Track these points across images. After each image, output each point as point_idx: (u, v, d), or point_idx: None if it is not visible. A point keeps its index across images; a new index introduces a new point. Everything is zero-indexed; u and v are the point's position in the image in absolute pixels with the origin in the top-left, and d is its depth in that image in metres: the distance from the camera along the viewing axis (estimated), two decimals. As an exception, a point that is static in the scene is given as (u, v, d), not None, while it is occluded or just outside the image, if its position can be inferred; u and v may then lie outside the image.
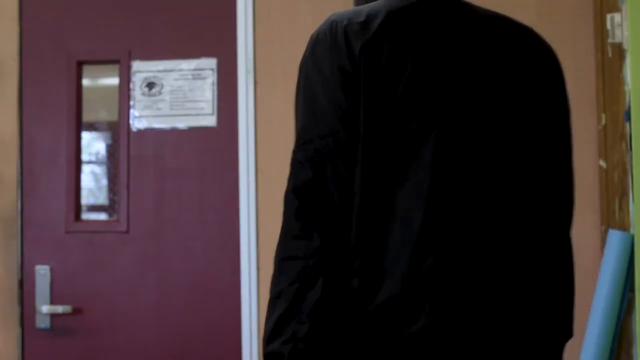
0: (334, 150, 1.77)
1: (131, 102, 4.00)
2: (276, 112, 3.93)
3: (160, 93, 4.00)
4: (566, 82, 2.13)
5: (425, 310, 1.72)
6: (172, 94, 4.00)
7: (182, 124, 3.99)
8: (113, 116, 4.04)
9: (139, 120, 4.00)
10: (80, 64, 4.05)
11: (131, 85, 4.02)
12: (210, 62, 3.99)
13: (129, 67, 4.02)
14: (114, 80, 4.05)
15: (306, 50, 1.93)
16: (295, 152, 1.84)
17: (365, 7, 1.90)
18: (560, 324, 1.94)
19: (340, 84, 1.80)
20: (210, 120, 3.98)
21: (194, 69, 3.99)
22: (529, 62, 2.00)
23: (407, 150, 1.78)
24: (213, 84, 3.98)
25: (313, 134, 1.80)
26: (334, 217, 1.75)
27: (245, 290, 3.87)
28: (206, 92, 3.98)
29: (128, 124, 4.00)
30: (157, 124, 4.00)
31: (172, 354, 3.91)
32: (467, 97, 1.85)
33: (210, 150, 3.97)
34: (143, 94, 4.01)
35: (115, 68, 4.03)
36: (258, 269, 3.89)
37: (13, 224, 4.01)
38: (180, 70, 3.99)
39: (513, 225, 1.85)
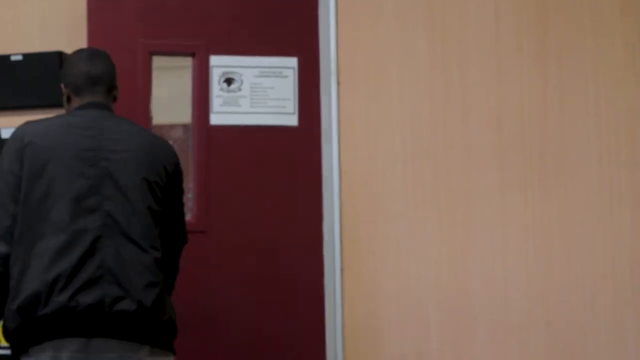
0: (4, 214, 2.84)
1: (209, 97, 3.90)
2: (359, 113, 3.94)
3: (239, 89, 3.90)
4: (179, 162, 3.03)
5: (47, 303, 2.72)
6: (252, 91, 3.92)
7: (263, 121, 3.91)
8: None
9: (217, 116, 3.90)
10: (151, 55, 3.88)
11: (208, 80, 3.91)
12: (291, 61, 3.93)
13: (206, 61, 3.90)
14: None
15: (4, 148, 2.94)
16: None
17: (43, 120, 2.95)
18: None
19: (11, 172, 2.85)
20: (292, 119, 3.93)
21: (275, 67, 3.92)
22: (150, 152, 2.93)
23: (44, 213, 2.80)
24: (294, 82, 3.93)
25: None
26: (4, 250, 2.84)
27: (329, 290, 3.87)
28: (287, 91, 3.92)
29: (205, 120, 3.89)
30: (237, 121, 3.90)
31: (252, 354, 3.86)
32: (91, 176, 2.83)
33: (291, 150, 3.93)
34: (222, 89, 3.90)
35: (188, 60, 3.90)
36: (342, 269, 3.89)
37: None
38: (260, 67, 3.91)
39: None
